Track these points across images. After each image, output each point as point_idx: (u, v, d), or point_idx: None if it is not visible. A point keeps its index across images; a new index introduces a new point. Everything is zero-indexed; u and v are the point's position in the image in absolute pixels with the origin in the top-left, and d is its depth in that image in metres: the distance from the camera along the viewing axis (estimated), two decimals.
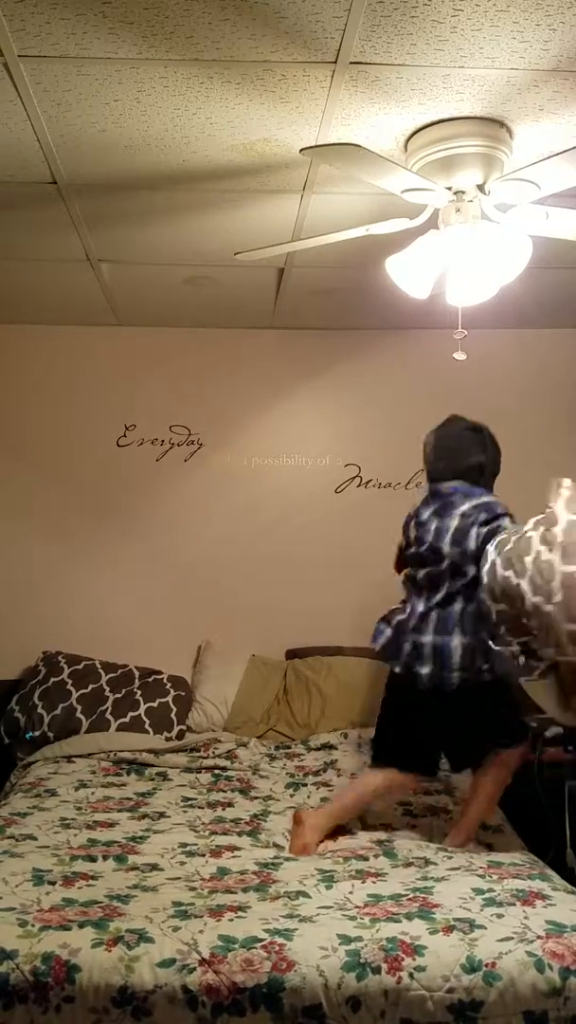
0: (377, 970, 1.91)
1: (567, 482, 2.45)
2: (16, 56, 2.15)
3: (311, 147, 2.34)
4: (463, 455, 2.91)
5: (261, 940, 1.98)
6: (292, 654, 4.40)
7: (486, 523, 2.74)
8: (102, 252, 3.50)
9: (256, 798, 3.22)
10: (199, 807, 3.11)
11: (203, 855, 2.60)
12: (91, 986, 1.88)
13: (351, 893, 2.28)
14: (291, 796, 3.25)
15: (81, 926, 2.05)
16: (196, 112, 2.42)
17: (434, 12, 2.00)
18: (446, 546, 2.78)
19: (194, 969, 1.90)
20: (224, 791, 3.30)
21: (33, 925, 2.04)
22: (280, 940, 1.98)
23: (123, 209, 3.09)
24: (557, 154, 2.28)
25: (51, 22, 2.03)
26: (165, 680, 4.19)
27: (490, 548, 2.58)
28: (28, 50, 2.13)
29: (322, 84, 2.28)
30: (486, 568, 2.54)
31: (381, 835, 2.80)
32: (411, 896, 2.24)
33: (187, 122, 2.47)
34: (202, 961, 1.91)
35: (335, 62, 2.18)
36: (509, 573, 2.41)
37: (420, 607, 2.82)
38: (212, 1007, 1.87)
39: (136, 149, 2.63)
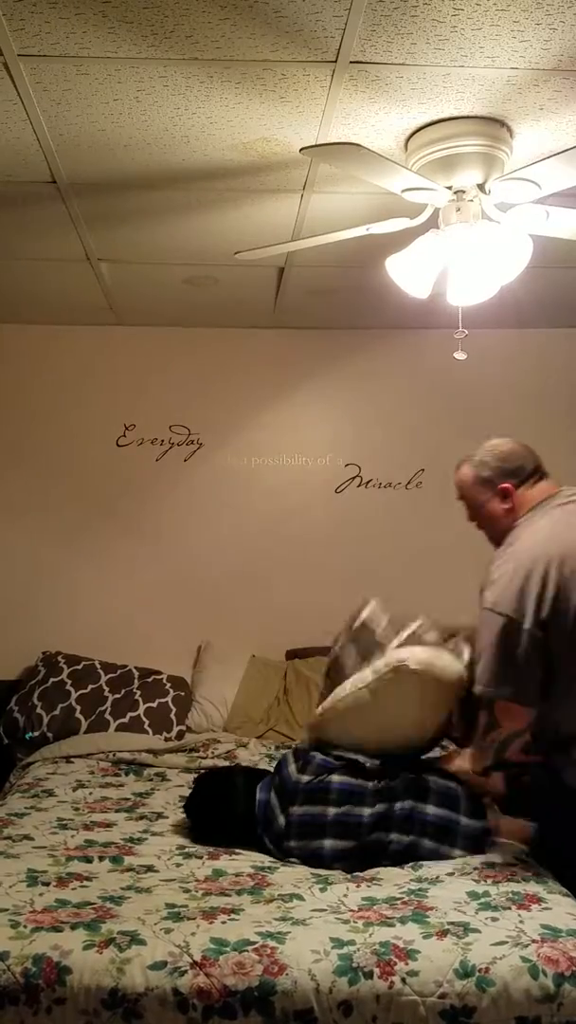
0: (369, 974, 1.90)
1: None
2: (16, 56, 2.15)
3: (311, 147, 2.33)
4: None
5: (253, 943, 1.97)
6: (292, 654, 4.39)
7: None
8: (102, 252, 3.50)
9: None
10: None
11: (200, 857, 2.58)
12: (82, 988, 1.87)
13: (346, 896, 2.27)
14: None
15: (73, 927, 2.03)
16: (196, 112, 2.41)
17: (434, 12, 1.99)
18: None
19: (185, 972, 1.88)
20: None
21: (25, 926, 2.03)
22: (272, 943, 1.96)
23: (123, 209, 3.08)
24: (557, 154, 2.28)
25: (51, 22, 2.02)
26: (165, 680, 4.18)
27: None
28: (28, 50, 2.13)
29: (322, 84, 2.27)
30: None
31: None
32: (405, 899, 2.23)
33: (187, 122, 2.46)
34: (193, 964, 1.90)
35: (335, 61, 2.18)
36: None
37: None
38: (203, 1010, 1.85)
39: (136, 149, 2.62)
